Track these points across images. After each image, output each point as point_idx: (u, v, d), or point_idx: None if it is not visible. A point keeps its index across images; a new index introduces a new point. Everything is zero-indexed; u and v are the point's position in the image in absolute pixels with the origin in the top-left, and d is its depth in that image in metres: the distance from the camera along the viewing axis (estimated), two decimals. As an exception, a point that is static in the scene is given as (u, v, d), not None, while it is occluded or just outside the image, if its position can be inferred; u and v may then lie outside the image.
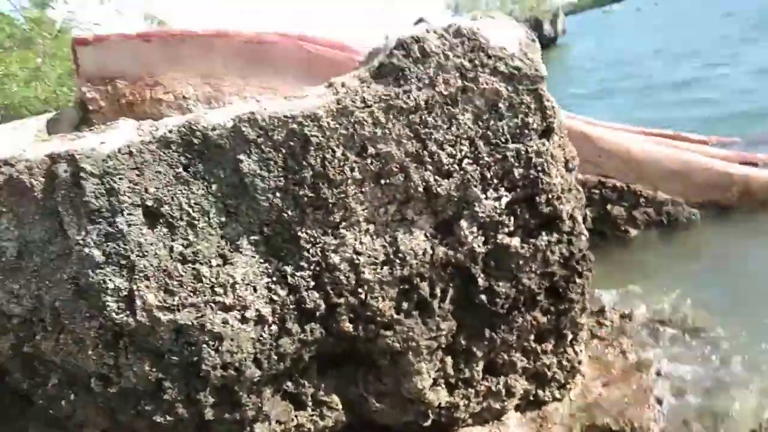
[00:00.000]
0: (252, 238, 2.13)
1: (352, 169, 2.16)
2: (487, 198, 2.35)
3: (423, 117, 2.20)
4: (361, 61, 2.64)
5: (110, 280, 1.97)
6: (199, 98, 4.05)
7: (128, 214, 1.97)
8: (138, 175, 1.98)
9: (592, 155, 4.84)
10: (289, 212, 2.13)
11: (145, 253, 1.99)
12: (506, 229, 2.42)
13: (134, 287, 1.99)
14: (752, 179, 4.94)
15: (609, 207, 5.11)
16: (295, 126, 2.06)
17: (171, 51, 3.96)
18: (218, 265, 2.08)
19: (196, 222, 2.05)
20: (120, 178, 1.95)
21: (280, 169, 2.09)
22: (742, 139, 6.28)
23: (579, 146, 4.69)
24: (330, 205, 2.17)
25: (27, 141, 3.40)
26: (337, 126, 2.11)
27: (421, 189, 2.27)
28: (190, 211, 2.04)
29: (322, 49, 4.21)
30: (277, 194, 2.10)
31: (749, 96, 7.84)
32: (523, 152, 2.35)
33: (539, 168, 2.39)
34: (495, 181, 2.36)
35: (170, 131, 2.01)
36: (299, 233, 2.16)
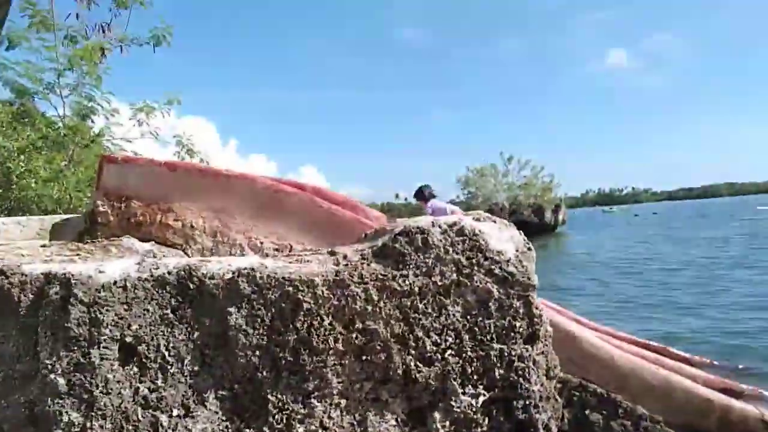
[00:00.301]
0: (220, 393, 2.08)
1: (336, 340, 2.17)
2: (464, 393, 2.32)
3: (415, 302, 2.26)
4: (368, 233, 2.76)
5: (66, 412, 1.90)
6: (206, 230, 4.16)
7: (104, 348, 1.95)
8: (126, 310, 1.99)
9: (576, 356, 4.82)
10: (265, 372, 2.11)
11: (110, 391, 1.94)
12: (479, 429, 2.36)
13: (89, 424, 1.91)
14: (732, 410, 4.85)
15: (587, 412, 4.98)
16: (290, 289, 2.11)
17: (191, 182, 4.15)
18: (179, 416, 2.01)
19: (168, 367, 2.02)
20: (107, 310, 1.96)
21: (265, 327, 2.10)
22: (725, 366, 6.28)
23: (564, 345, 4.73)
24: (307, 373, 2.15)
25: (27, 243, 3.45)
26: (331, 296, 2.16)
27: (400, 371, 2.26)
28: (166, 354, 2.02)
29: (334, 207, 4.40)
30: (257, 353, 2.10)
31: (735, 323, 8.00)
32: (506, 354, 2.37)
33: (520, 372, 2.39)
34: (475, 377, 2.35)
35: (169, 272, 2.06)
36: (269, 396, 2.11)
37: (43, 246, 3.45)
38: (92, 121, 7.83)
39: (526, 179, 34.57)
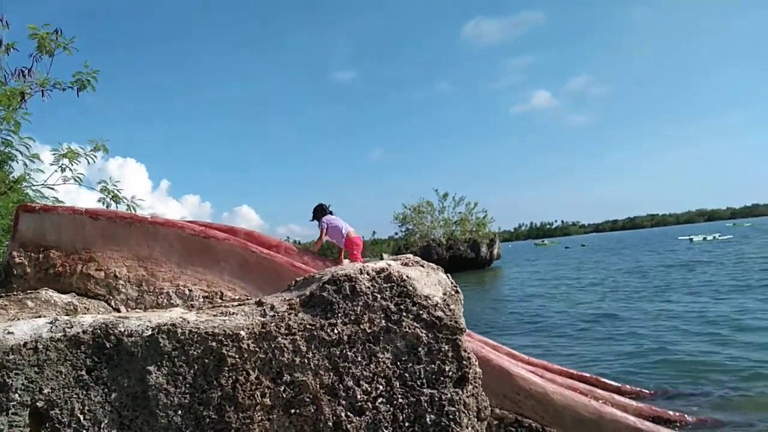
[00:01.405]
0: (141, 457, 1.98)
1: (263, 395, 2.12)
2: (396, 441, 2.31)
3: (344, 351, 2.25)
4: (297, 280, 2.74)
5: (-33, 489, 1.75)
6: (131, 280, 4.01)
7: (13, 414, 1.83)
8: (37, 373, 1.88)
9: (510, 392, 4.90)
10: (188, 432, 2.02)
11: (17, 462, 1.81)
12: (412, 477, 2.34)
13: (-8, 500, 1.77)
14: (660, 438, 5.04)
15: (524, 448, 5.04)
16: (214, 344, 2.06)
17: (115, 230, 4.02)
18: (95, 485, 1.90)
19: (84, 431, 1.91)
20: (17, 374, 1.84)
21: (187, 385, 2.03)
22: (656, 392, 6.52)
23: (499, 381, 4.80)
24: (233, 431, 2.08)
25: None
26: (257, 349, 2.12)
27: (331, 423, 2.22)
28: (81, 418, 1.91)
29: (266, 252, 4.35)
30: (179, 412, 2.01)
31: (666, 347, 8.35)
32: (437, 398, 2.38)
33: (451, 416, 2.40)
34: (406, 424, 2.34)
35: (84, 331, 1.97)
36: (194, 457, 2.03)
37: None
38: (11, 167, 7.46)
39: (462, 215, 35.39)
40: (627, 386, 6.52)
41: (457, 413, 2.42)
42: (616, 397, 5.93)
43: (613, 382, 6.42)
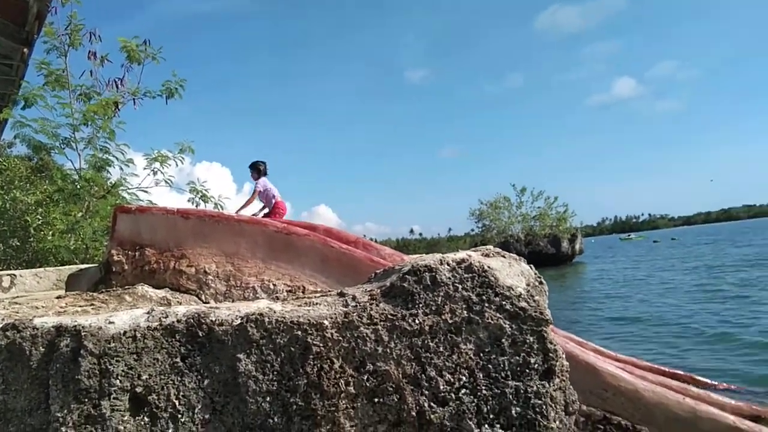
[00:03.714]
0: (233, 441, 2.06)
1: (347, 383, 2.15)
2: (481, 433, 2.27)
3: (425, 341, 2.23)
4: (377, 272, 2.76)
5: (78, 466, 1.88)
6: (219, 275, 4.18)
7: (114, 399, 1.95)
8: (135, 360, 1.99)
9: (597, 388, 4.71)
10: (275, 419, 2.08)
11: (121, 442, 1.92)
12: (498, 470, 2.30)
13: (100, 477, 1.89)
14: (764, 438, 4.69)
15: (614, 447, 4.84)
16: (299, 333, 2.10)
17: (204, 228, 4.20)
18: (191, 466, 1.99)
19: (179, 416, 2.01)
20: (117, 361, 1.96)
21: (275, 373, 2.09)
22: (753, 391, 6.09)
23: (585, 378, 4.63)
24: (318, 417, 2.12)
25: (43, 295, 3.49)
26: (340, 338, 2.14)
27: (414, 413, 2.22)
28: (177, 403, 2.01)
29: (345, 247, 4.41)
30: (267, 398, 2.08)
31: (760, 349, 7.78)
32: (522, 391, 2.32)
33: (537, 409, 2.34)
34: (491, 416, 2.30)
35: (178, 320, 2.07)
36: (282, 443, 2.08)
37: (59, 297, 3.49)
38: (108, 173, 8.03)
39: (540, 210, 34.44)
40: (723, 384, 6.11)
41: (544, 406, 2.35)
42: (713, 394, 5.56)
43: (708, 380, 6.04)
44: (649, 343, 8.70)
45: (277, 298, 3.77)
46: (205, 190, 7.18)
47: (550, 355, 2.38)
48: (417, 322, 2.22)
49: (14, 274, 4.40)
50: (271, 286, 4.19)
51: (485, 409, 2.30)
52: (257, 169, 5.66)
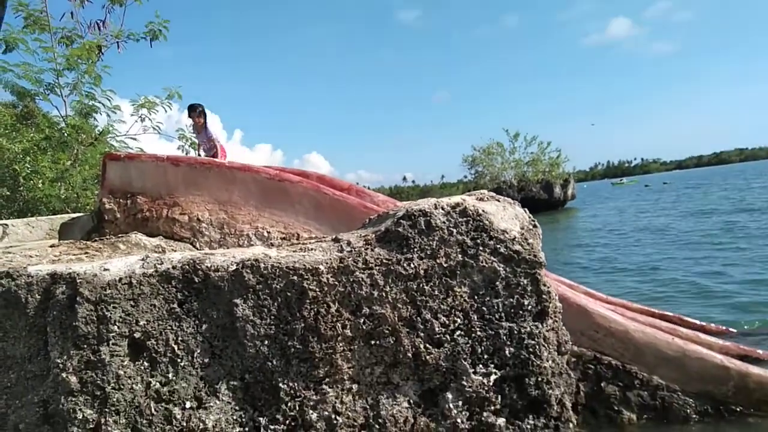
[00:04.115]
0: (232, 383, 2.10)
1: (344, 326, 2.18)
2: (475, 372, 2.32)
3: (421, 285, 2.25)
4: (371, 218, 2.75)
5: (80, 410, 1.92)
6: (213, 223, 4.17)
7: (113, 344, 1.97)
8: (132, 306, 2.00)
9: (589, 329, 4.81)
10: (274, 361, 2.11)
11: (122, 386, 1.95)
12: (492, 407, 2.36)
13: (103, 420, 1.93)
14: (750, 376, 4.83)
15: (603, 384, 4.97)
16: (295, 278, 2.11)
17: (195, 176, 4.16)
18: (192, 408, 2.03)
19: (179, 360, 2.03)
20: (114, 308, 1.97)
21: (272, 317, 2.11)
22: (742, 332, 6.24)
23: (577, 319, 4.71)
24: (316, 360, 2.15)
25: (37, 244, 3.47)
26: (336, 283, 2.16)
27: (410, 354, 2.26)
28: (176, 348, 2.03)
29: (338, 194, 4.39)
30: (266, 342, 2.10)
31: (748, 287, 7.91)
32: (515, 332, 2.36)
33: (531, 349, 2.39)
34: (485, 356, 2.35)
35: (174, 267, 2.06)
36: (280, 384, 2.12)
37: (52, 246, 3.48)
38: (95, 120, 7.86)
39: (533, 156, 34.25)
40: (712, 325, 6.25)
41: (537, 346, 2.40)
42: (701, 335, 5.70)
43: (696, 321, 6.17)
44: (640, 284, 8.86)
45: (272, 245, 3.78)
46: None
47: (544, 296, 2.41)
48: (412, 266, 2.23)
49: (6, 224, 4.37)
50: (265, 234, 4.19)
51: (479, 350, 2.34)
52: (197, 112, 4.99)
